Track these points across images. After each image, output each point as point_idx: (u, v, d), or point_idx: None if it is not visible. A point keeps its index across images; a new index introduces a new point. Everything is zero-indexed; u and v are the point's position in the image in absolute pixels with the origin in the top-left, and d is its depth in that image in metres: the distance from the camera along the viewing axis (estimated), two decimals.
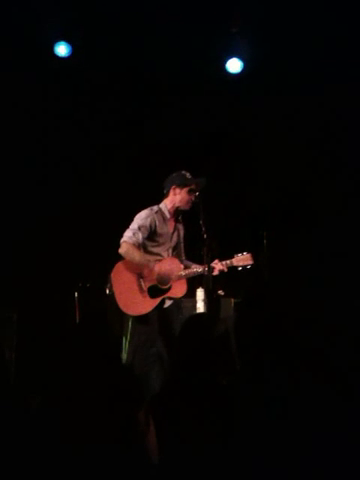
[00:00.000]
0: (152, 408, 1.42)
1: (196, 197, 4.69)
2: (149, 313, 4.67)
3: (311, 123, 6.40)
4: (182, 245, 5.00)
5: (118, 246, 4.75)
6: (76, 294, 5.64)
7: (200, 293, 4.93)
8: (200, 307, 4.92)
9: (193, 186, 4.76)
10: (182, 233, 4.98)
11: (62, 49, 6.16)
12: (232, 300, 5.61)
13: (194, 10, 5.74)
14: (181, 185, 4.78)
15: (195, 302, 4.99)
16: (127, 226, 4.91)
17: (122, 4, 5.72)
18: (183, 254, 5.01)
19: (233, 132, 6.60)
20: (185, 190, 4.77)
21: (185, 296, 5.26)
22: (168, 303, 4.78)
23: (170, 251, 4.86)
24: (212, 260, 4.64)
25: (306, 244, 6.37)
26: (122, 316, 5.12)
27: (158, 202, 4.97)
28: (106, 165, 6.51)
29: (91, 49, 6.24)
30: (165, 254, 4.81)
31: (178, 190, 4.79)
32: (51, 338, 5.73)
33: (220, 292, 5.17)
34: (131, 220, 5.07)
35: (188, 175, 4.79)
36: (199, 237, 4.64)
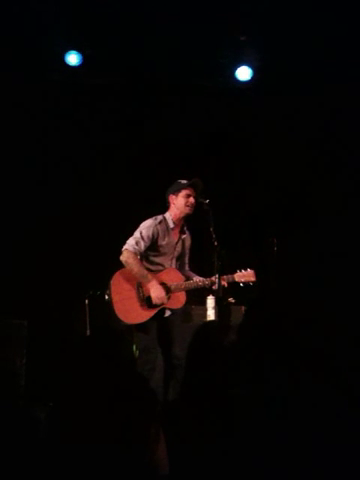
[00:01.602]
0: (162, 420, 1.41)
1: (206, 205, 4.67)
2: (148, 322, 4.66)
3: (311, 123, 6.40)
4: (187, 255, 4.96)
5: (118, 247, 4.75)
6: (86, 301, 5.63)
7: (210, 301, 4.92)
8: (210, 315, 4.91)
9: (188, 190, 4.76)
10: (188, 243, 4.94)
11: (73, 58, 6.15)
12: (243, 308, 5.60)
13: (194, 10, 5.73)
14: (176, 192, 4.80)
15: (205, 310, 4.98)
16: (127, 227, 4.91)
17: (123, 4, 5.71)
18: (187, 264, 4.96)
19: (233, 132, 6.60)
20: (181, 195, 4.78)
21: (195, 304, 5.26)
22: (168, 312, 4.76)
23: (174, 261, 4.83)
24: (222, 268, 4.61)
25: (306, 244, 6.37)
26: (130, 325, 5.16)
27: (158, 202, 4.98)
28: (106, 165, 6.51)
29: (92, 50, 6.24)
30: (167, 264, 4.79)
31: (174, 197, 4.81)
32: (62, 345, 5.74)
33: (230, 300, 5.16)
34: (131, 221, 5.08)
35: (183, 181, 4.80)
36: (209, 245, 4.65)
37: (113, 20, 5.86)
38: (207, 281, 4.68)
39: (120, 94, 6.53)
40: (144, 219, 4.89)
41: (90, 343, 2.60)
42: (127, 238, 4.77)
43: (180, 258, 4.89)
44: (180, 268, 4.88)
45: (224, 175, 6.50)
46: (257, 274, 4.77)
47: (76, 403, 1.34)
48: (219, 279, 4.55)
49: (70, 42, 6.14)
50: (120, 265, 4.75)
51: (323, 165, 6.52)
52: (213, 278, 4.62)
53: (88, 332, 5.46)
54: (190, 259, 4.99)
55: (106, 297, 4.73)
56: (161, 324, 4.70)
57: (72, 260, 6.23)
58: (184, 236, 4.88)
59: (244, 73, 6.40)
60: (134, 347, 5.13)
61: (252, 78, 6.44)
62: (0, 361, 5.06)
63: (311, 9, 5.62)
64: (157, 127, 6.47)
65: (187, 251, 4.94)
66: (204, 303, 5.03)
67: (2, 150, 6.15)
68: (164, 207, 4.93)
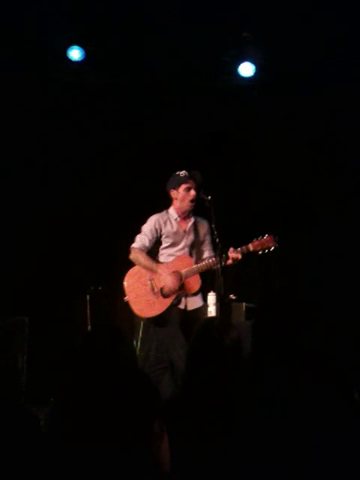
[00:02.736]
0: (165, 417, 1.41)
1: (208, 201, 4.66)
2: (161, 318, 4.68)
3: (311, 123, 6.39)
4: (206, 242, 4.89)
5: (119, 246, 4.80)
6: (88, 297, 5.64)
7: (211, 297, 4.93)
8: (211, 311, 4.90)
9: (188, 184, 4.76)
10: (204, 230, 4.87)
11: (75, 53, 6.14)
12: (244, 305, 5.61)
13: (196, 8, 5.72)
14: (176, 186, 4.80)
15: (206, 306, 4.98)
16: (127, 226, 4.94)
17: (124, 3, 5.71)
18: (207, 251, 4.89)
19: (233, 132, 6.60)
20: (181, 189, 4.79)
21: None
22: (185, 300, 4.75)
23: (186, 250, 4.83)
24: (224, 265, 4.57)
25: (306, 244, 6.37)
26: (132, 321, 5.18)
27: (157, 202, 5.01)
28: (106, 165, 6.51)
29: (93, 49, 6.23)
30: (181, 253, 4.81)
31: (175, 192, 4.82)
32: (63, 342, 5.75)
33: (231, 296, 5.15)
34: (131, 220, 5.11)
35: (181, 174, 4.79)
36: (212, 242, 4.64)
37: (114, 19, 5.86)
38: (215, 259, 4.62)
39: (121, 94, 6.53)
40: (144, 218, 4.93)
41: (90, 340, 2.60)
42: (127, 237, 4.85)
43: (196, 246, 4.86)
44: (201, 255, 4.85)
45: (224, 175, 6.50)
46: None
47: (77, 401, 1.34)
48: (221, 271, 4.53)
49: (71, 41, 6.13)
50: (124, 264, 4.83)
51: (323, 165, 6.52)
52: (224, 255, 4.56)
53: (89, 328, 5.48)
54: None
55: (125, 299, 4.79)
56: (183, 319, 4.70)
57: (72, 259, 6.24)
58: (193, 223, 4.86)
59: (247, 69, 6.39)
60: (134, 343, 5.13)
61: (253, 77, 6.43)
62: (1, 358, 5.07)
63: (312, 8, 5.61)
64: (157, 127, 6.47)
65: (205, 238, 4.88)
66: (205, 299, 5.03)
67: (2, 150, 6.14)
68: (164, 204, 4.97)
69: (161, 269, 4.71)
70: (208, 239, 4.91)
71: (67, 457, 1.27)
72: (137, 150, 6.53)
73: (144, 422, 1.32)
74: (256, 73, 6.39)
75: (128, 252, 4.85)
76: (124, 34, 6.03)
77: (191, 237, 4.86)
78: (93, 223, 6.34)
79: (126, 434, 1.29)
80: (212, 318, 4.55)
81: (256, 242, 4.66)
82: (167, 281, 4.68)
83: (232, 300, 5.21)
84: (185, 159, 6.15)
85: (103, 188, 6.43)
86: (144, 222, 4.96)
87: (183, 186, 4.77)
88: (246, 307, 5.59)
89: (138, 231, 4.95)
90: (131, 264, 4.88)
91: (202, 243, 4.91)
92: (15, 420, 2.16)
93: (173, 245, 4.80)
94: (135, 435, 1.30)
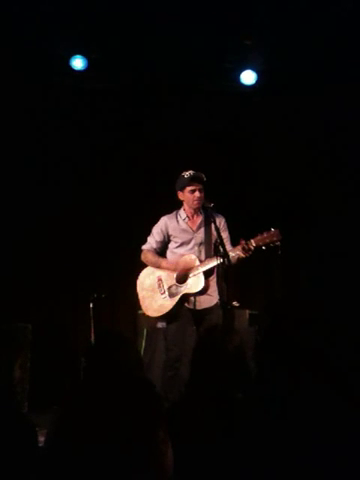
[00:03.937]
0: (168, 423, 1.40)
1: (210, 208, 4.65)
2: (169, 317, 4.73)
3: (311, 123, 6.40)
4: (224, 239, 4.67)
5: (120, 247, 4.85)
6: (91, 305, 5.66)
7: None
8: None
9: (192, 186, 4.75)
10: (217, 227, 4.63)
11: (78, 63, 6.15)
12: (247, 311, 5.62)
13: (195, 11, 5.72)
14: (181, 189, 4.81)
15: (218, 307, 4.97)
16: (127, 227, 4.97)
17: (123, 4, 5.71)
18: (215, 250, 4.73)
19: (233, 132, 6.60)
20: (186, 192, 4.79)
21: None
22: (201, 306, 4.75)
23: (196, 249, 4.84)
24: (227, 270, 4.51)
25: (306, 244, 6.37)
26: (135, 328, 5.21)
27: (158, 202, 5.04)
28: (106, 165, 6.51)
29: (97, 54, 6.23)
30: (190, 252, 4.83)
31: (181, 194, 4.83)
32: (66, 349, 5.75)
33: (235, 303, 5.15)
34: (131, 221, 5.13)
35: (186, 175, 4.77)
36: (215, 249, 4.64)
37: (114, 20, 5.86)
38: (218, 257, 4.52)
39: (121, 94, 6.54)
40: (144, 219, 4.97)
41: (94, 347, 2.60)
42: (128, 237, 4.91)
43: (205, 244, 4.83)
44: (213, 253, 4.80)
45: (224, 175, 6.50)
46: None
47: (80, 407, 1.34)
48: (223, 277, 4.51)
49: (71, 42, 6.12)
50: (126, 270, 5.10)
51: (323, 165, 6.52)
52: (231, 253, 4.47)
53: (92, 336, 5.48)
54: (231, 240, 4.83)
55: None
56: (195, 319, 4.74)
57: (73, 261, 6.24)
58: (203, 220, 4.85)
59: (249, 77, 6.40)
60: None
61: (252, 79, 6.44)
62: (4, 365, 5.08)
63: (310, 8, 5.62)
64: (157, 127, 6.48)
65: (223, 235, 4.67)
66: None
67: (2, 150, 6.14)
68: (165, 205, 5.01)
69: (166, 266, 4.79)
70: (224, 235, 4.78)
71: (68, 461, 1.27)
72: (137, 150, 6.53)
73: (147, 429, 1.32)
74: (257, 77, 6.40)
75: (132, 255, 4.92)
76: (124, 34, 6.02)
77: (201, 235, 4.86)
78: (93, 224, 6.34)
79: (129, 441, 1.29)
80: (215, 324, 4.55)
81: (258, 237, 4.59)
82: (172, 280, 4.76)
83: (235, 307, 5.20)
84: (185, 159, 6.17)
85: (103, 188, 6.43)
86: (145, 223, 5.01)
87: (187, 189, 4.78)
88: (249, 314, 5.62)
89: (139, 232, 5.01)
90: (135, 269, 5.03)
91: (208, 243, 4.87)
92: (17, 425, 2.16)
93: (183, 245, 4.85)
94: (138, 442, 1.30)
